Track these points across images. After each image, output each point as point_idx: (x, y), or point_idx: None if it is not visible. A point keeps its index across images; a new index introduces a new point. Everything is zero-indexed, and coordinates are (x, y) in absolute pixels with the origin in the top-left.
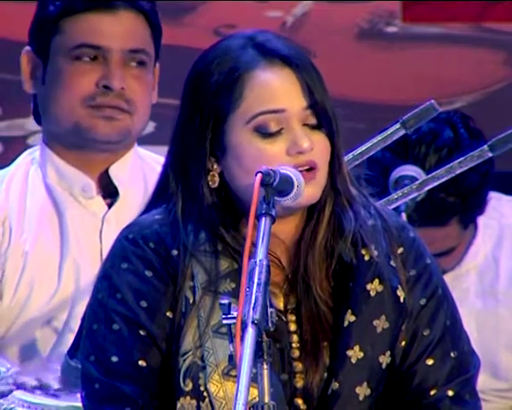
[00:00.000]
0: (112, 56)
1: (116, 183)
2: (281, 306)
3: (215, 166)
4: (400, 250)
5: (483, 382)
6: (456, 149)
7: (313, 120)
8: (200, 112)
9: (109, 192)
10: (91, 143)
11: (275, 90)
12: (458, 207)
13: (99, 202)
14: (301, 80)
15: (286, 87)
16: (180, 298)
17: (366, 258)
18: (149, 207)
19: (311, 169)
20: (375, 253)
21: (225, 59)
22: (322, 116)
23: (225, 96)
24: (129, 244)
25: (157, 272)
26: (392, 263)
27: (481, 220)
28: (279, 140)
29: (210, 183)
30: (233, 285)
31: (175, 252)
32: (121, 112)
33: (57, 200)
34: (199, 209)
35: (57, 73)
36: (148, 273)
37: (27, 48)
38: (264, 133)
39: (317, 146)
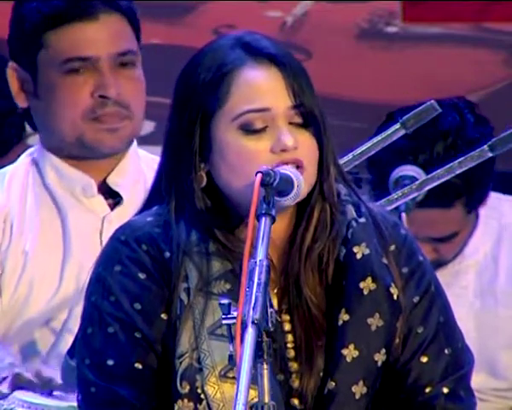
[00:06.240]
0: (102, 64)
1: (117, 189)
2: (274, 306)
3: (202, 166)
4: (392, 248)
5: (482, 381)
6: (462, 134)
7: (299, 120)
8: (189, 110)
9: (112, 194)
10: (96, 154)
11: (261, 88)
12: (461, 188)
13: (100, 201)
14: (287, 80)
15: (272, 86)
16: (174, 300)
17: (358, 256)
18: (143, 209)
19: (297, 168)
20: (367, 250)
21: (213, 58)
22: (309, 116)
23: (212, 94)
24: (122, 246)
25: (150, 274)
26: (385, 260)
27: (481, 219)
28: (264, 137)
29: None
30: (228, 286)
31: (168, 254)
32: (122, 120)
33: (58, 201)
34: (191, 209)
35: (51, 87)
36: (142, 276)
37: (13, 64)
38: (248, 130)
39: (302, 145)
